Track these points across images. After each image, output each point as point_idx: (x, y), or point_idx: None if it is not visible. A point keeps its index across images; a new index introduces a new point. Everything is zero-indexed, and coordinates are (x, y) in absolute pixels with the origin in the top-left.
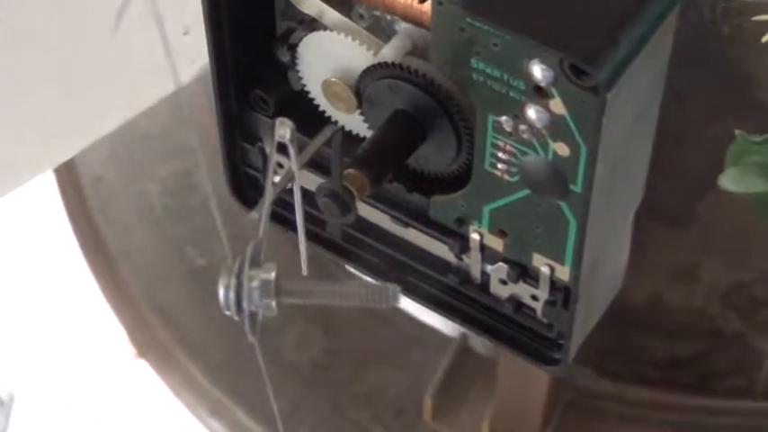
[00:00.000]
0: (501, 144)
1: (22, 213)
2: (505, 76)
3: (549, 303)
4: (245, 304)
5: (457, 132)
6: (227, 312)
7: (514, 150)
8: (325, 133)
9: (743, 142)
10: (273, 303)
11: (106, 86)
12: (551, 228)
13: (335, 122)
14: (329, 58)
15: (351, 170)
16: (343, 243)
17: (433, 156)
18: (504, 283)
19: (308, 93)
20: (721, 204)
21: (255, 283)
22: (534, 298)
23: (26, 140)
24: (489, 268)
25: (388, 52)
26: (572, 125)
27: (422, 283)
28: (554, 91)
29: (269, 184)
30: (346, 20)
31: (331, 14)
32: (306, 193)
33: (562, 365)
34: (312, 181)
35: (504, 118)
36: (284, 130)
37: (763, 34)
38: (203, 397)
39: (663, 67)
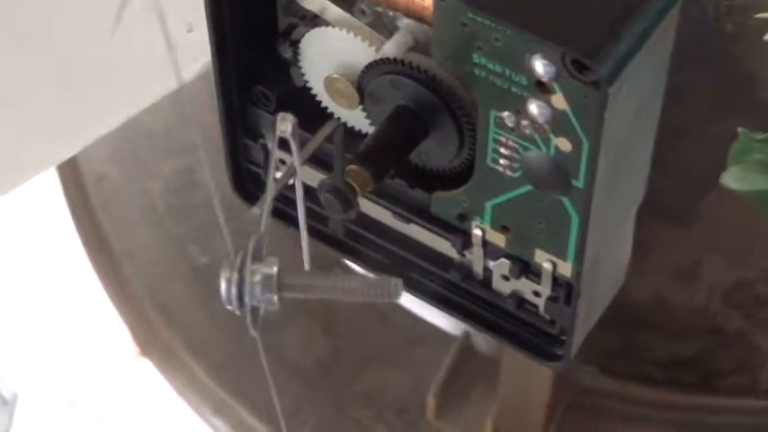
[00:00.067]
0: (503, 139)
1: (26, 211)
2: (507, 72)
3: (551, 299)
4: (246, 299)
5: (459, 128)
6: (229, 307)
7: (516, 146)
8: (327, 129)
9: (745, 140)
10: (275, 298)
11: (108, 84)
12: (553, 223)
13: (337, 118)
14: (331, 54)
15: (353, 166)
16: (345, 239)
17: (435, 151)
18: (506, 279)
19: (309, 89)
20: (724, 202)
21: (257, 278)
22: (536, 294)
23: (29, 138)
24: (491, 264)
25: (390, 48)
26: (574, 120)
27: (424, 280)
28: (556, 86)
29: (270, 178)
30: (348, 16)
31: (333, 10)
32: (308, 190)
33: (564, 361)
34: (314, 177)
35: (506, 113)
36: (286, 124)
37: (767, 32)
38: (206, 396)
39: (665, 63)
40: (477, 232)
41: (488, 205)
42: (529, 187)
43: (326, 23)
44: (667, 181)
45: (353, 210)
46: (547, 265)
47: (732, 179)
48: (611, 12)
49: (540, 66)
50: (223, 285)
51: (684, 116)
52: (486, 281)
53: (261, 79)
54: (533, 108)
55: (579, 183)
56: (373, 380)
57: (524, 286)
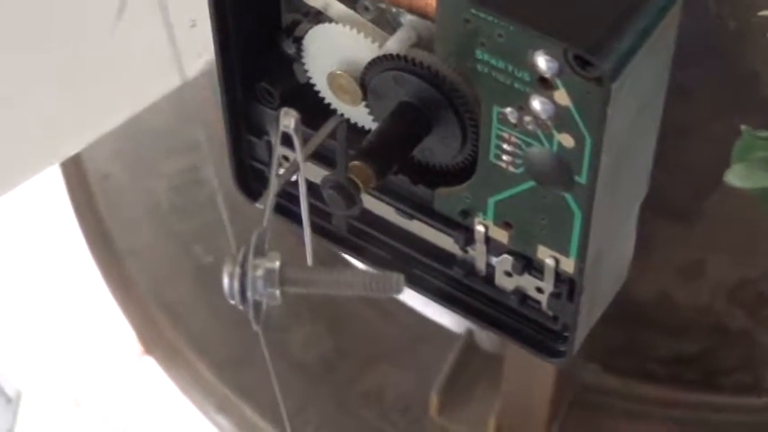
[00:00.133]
0: (506, 135)
1: (30, 210)
2: (510, 68)
3: (553, 295)
4: (249, 293)
5: (462, 124)
6: (232, 302)
7: (519, 142)
8: (330, 125)
9: (749, 138)
10: (278, 292)
11: (111, 81)
12: (556, 219)
13: (340, 115)
14: (334, 50)
15: (356, 162)
16: (348, 235)
17: (438, 148)
18: (509, 275)
19: (313, 85)
20: (727, 200)
21: (260, 272)
22: (539, 290)
23: (31, 135)
24: (494, 260)
25: (393, 44)
26: (576, 116)
27: (427, 276)
28: (558, 82)
29: (274, 173)
30: (351, 12)
31: (336, 7)
32: (311, 186)
33: (567, 358)
34: (317, 173)
35: (508, 109)
36: (289, 119)
37: None
38: (210, 394)
39: (667, 60)
40: (479, 228)
41: (491, 201)
42: (532, 183)
43: (330, 20)
44: (671, 179)
45: (356, 206)
46: (549, 262)
47: (736, 177)
48: (613, 8)
49: (542, 62)
50: (226, 280)
51: (688, 114)
52: (489, 277)
53: (264, 76)
54: (536, 104)
55: (582, 179)
56: (377, 378)
57: (527, 282)
